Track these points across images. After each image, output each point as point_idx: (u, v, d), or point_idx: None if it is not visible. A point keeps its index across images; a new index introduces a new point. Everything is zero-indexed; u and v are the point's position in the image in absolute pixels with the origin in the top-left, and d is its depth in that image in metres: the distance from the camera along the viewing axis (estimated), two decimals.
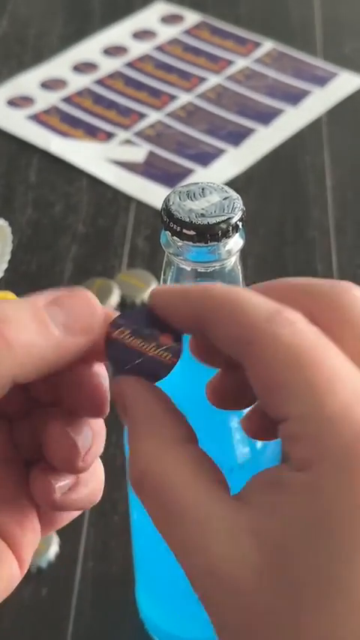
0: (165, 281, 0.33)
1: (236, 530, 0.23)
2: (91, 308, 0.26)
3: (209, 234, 0.30)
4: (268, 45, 0.86)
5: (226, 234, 0.31)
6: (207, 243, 0.31)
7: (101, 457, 0.58)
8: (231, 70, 0.83)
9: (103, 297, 0.62)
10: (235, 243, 0.31)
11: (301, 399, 0.22)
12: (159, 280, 0.34)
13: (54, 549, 0.50)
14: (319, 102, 0.80)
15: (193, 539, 0.23)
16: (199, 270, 0.32)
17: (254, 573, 0.22)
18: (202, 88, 0.82)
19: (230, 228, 0.31)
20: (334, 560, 0.21)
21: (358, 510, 0.21)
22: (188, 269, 0.32)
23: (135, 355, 0.26)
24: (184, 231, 0.30)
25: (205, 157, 0.75)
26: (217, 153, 0.75)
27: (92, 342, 0.26)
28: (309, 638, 0.21)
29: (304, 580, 0.21)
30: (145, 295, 0.63)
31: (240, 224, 0.31)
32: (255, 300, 0.24)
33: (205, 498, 0.24)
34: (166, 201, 0.31)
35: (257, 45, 0.86)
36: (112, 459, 0.54)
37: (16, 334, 0.24)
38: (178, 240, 0.31)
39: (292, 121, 0.78)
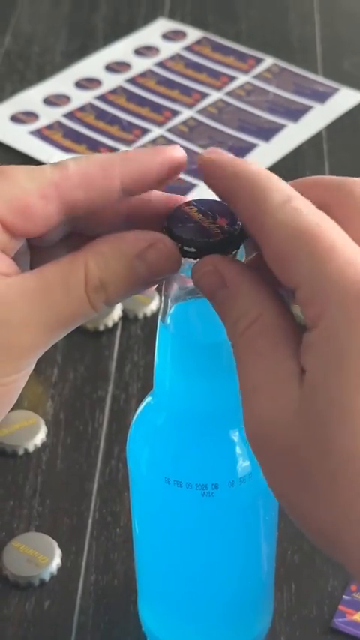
0: (166, 297, 0.34)
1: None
2: (173, 264, 0.31)
3: (210, 251, 0.31)
4: (269, 61, 0.87)
5: (226, 251, 0.31)
6: None
7: (102, 471, 0.59)
8: (232, 86, 0.84)
9: (105, 311, 0.63)
10: (238, 257, 0.32)
11: (303, 265, 0.27)
12: (160, 295, 0.35)
13: (56, 562, 0.50)
14: (319, 117, 0.81)
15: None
16: None
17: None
18: (204, 103, 0.82)
19: (231, 245, 0.31)
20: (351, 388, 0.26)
21: None
22: (189, 285, 0.33)
23: (191, 221, 0.31)
24: (185, 248, 0.31)
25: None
26: None
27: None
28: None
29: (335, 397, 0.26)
30: (148, 309, 0.63)
31: (241, 240, 0.31)
32: (274, 186, 0.29)
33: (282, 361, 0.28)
34: (168, 218, 0.32)
35: (258, 61, 0.87)
36: (114, 472, 0.55)
37: (112, 297, 0.31)
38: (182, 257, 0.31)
39: (292, 136, 0.79)
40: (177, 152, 0.32)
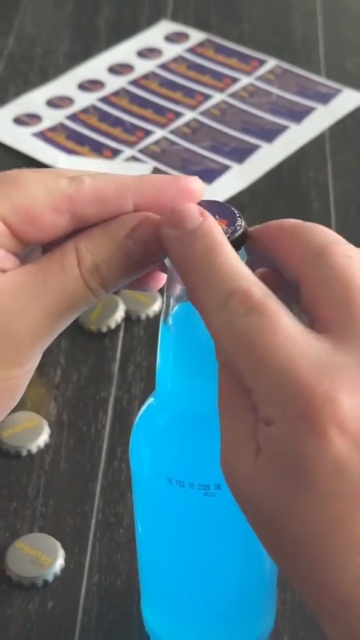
0: (168, 298, 0.34)
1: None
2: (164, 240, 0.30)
3: None
4: (271, 62, 0.87)
5: None
6: None
7: (105, 471, 0.59)
8: (235, 88, 0.84)
9: (108, 312, 0.63)
10: None
11: (247, 372, 0.28)
12: (163, 296, 0.35)
13: (60, 563, 0.50)
14: (322, 118, 0.81)
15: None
16: None
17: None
18: (207, 105, 0.83)
19: (232, 246, 0.31)
20: None
21: None
22: None
23: None
24: None
25: (210, 174, 0.75)
26: (222, 169, 0.76)
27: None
28: None
29: None
30: (151, 310, 0.64)
31: (242, 242, 0.31)
32: (213, 283, 0.29)
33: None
34: None
35: (261, 62, 0.87)
36: (117, 472, 0.55)
37: (108, 278, 0.31)
38: None
39: (295, 137, 0.79)
40: (195, 183, 0.32)
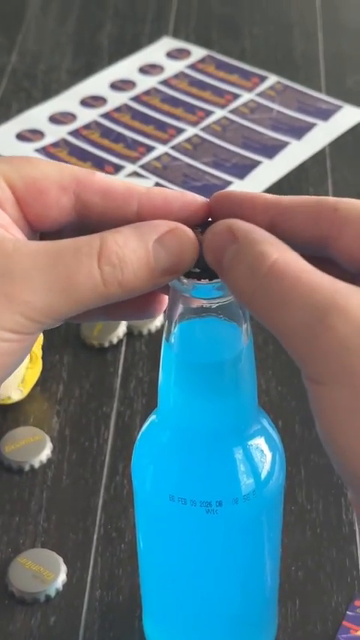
0: (171, 316, 0.34)
1: None
2: (191, 253, 0.31)
3: (213, 271, 0.31)
4: (272, 79, 0.88)
5: None
6: (211, 280, 0.32)
7: (107, 486, 0.59)
8: (236, 104, 0.85)
9: (110, 327, 0.63)
10: None
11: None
12: (164, 315, 0.35)
13: (62, 578, 0.50)
14: (322, 135, 0.81)
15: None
16: (204, 305, 0.33)
17: None
18: (208, 121, 0.83)
19: None
20: None
21: None
22: (194, 305, 0.33)
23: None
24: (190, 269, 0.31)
25: (211, 189, 0.76)
26: (223, 185, 0.76)
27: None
28: None
29: None
30: (153, 326, 0.64)
31: None
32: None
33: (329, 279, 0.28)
34: None
35: (262, 79, 0.88)
36: (119, 487, 0.55)
37: (128, 279, 0.30)
38: (183, 277, 0.32)
39: (296, 153, 0.79)
40: (201, 201, 0.32)
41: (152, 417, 0.39)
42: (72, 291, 0.29)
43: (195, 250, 0.31)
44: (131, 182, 0.32)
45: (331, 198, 0.31)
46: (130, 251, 0.30)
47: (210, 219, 0.32)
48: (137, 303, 0.33)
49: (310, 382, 0.28)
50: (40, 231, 0.33)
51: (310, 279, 0.28)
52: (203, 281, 0.32)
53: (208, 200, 0.33)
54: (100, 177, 0.32)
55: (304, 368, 0.28)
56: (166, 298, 0.34)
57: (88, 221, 0.32)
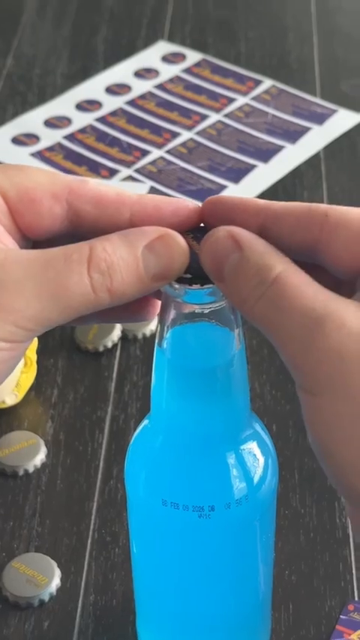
0: (163, 321, 0.35)
1: None
2: (181, 260, 0.31)
3: (205, 277, 0.31)
4: (267, 83, 0.88)
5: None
6: (202, 286, 0.32)
7: (101, 491, 0.59)
8: (231, 108, 0.85)
9: (105, 331, 0.63)
10: None
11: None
12: (158, 317, 0.35)
13: (56, 582, 0.50)
14: (317, 139, 0.81)
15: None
16: (196, 311, 0.33)
17: None
18: (203, 125, 0.83)
19: None
20: None
21: None
22: (186, 310, 0.33)
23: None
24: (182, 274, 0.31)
25: (206, 193, 0.76)
26: (218, 189, 0.76)
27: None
28: None
29: None
30: (147, 330, 0.64)
31: None
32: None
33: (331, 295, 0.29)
34: None
35: (257, 83, 0.88)
36: (113, 492, 0.55)
37: (117, 286, 0.30)
38: (175, 282, 0.32)
39: (290, 157, 0.80)
40: (193, 207, 0.32)
41: (145, 422, 0.39)
42: (62, 299, 0.29)
43: (185, 256, 0.31)
44: (123, 190, 0.32)
45: (322, 205, 0.31)
46: (119, 258, 0.30)
47: (202, 224, 0.33)
48: (131, 307, 0.33)
49: (303, 393, 0.28)
50: (33, 239, 0.33)
51: (309, 290, 0.29)
52: (195, 286, 0.32)
53: (199, 205, 0.33)
54: (93, 185, 0.32)
55: (299, 378, 0.29)
56: (157, 302, 0.34)
57: (81, 229, 0.32)
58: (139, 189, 0.76)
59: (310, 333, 0.28)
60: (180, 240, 0.31)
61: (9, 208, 0.32)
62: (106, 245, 0.30)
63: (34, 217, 0.32)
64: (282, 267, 0.29)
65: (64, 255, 0.30)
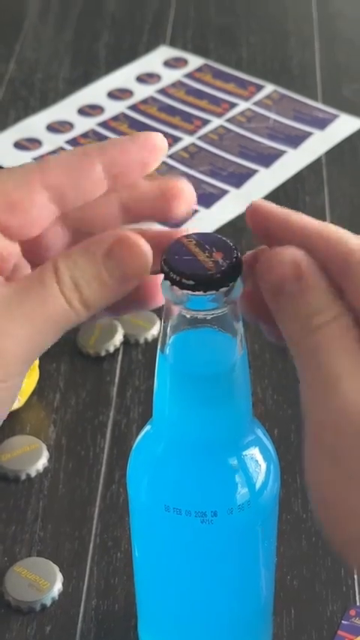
0: (166, 327, 0.35)
1: None
2: (142, 259, 0.31)
3: (208, 283, 0.31)
4: (269, 88, 0.88)
5: (224, 284, 0.32)
6: (205, 292, 0.32)
7: (103, 495, 0.59)
8: (233, 113, 0.85)
9: (106, 336, 0.63)
10: (234, 290, 0.33)
11: None
12: (161, 322, 0.35)
13: (58, 587, 0.50)
14: (319, 144, 0.82)
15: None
16: (198, 317, 0.33)
17: None
18: (205, 129, 0.83)
19: (226, 279, 0.32)
20: None
21: None
22: (188, 316, 0.33)
23: (188, 254, 0.32)
24: (183, 280, 0.32)
25: (208, 198, 0.76)
26: (220, 194, 0.77)
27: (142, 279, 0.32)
28: None
29: None
30: (149, 334, 0.64)
31: (239, 273, 0.32)
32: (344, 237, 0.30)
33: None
34: (167, 251, 0.32)
35: (259, 88, 0.88)
36: (115, 496, 0.55)
37: (88, 296, 0.31)
38: (178, 289, 0.32)
39: (292, 162, 0.80)
40: (155, 138, 0.33)
41: (147, 428, 0.39)
42: (46, 324, 0.30)
43: (146, 255, 0.31)
44: (83, 147, 0.33)
45: (351, 242, 0.31)
46: (81, 270, 0.31)
47: (200, 230, 0.33)
48: (134, 296, 0.33)
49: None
50: (23, 240, 0.33)
51: (345, 364, 0.29)
52: (198, 293, 0.32)
53: (162, 137, 0.33)
54: (53, 157, 0.32)
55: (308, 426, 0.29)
56: (157, 291, 0.34)
57: (65, 204, 0.32)
58: None
59: (331, 413, 0.28)
60: (137, 240, 0.31)
61: None
62: (67, 260, 0.31)
63: (22, 220, 0.32)
64: (331, 315, 0.29)
65: (35, 282, 0.30)
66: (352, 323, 0.30)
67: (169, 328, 0.35)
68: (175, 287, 0.32)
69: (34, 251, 0.33)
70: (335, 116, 0.84)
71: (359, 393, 0.28)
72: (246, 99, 0.87)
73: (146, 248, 0.31)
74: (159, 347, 0.35)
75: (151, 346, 0.64)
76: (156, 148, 0.33)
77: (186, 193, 0.33)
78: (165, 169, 0.79)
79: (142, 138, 0.33)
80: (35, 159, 0.80)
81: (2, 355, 0.30)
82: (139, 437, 0.39)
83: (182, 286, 0.32)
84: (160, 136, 0.33)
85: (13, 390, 0.31)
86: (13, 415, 0.59)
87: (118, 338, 0.64)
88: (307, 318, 0.30)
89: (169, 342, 0.35)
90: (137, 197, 0.33)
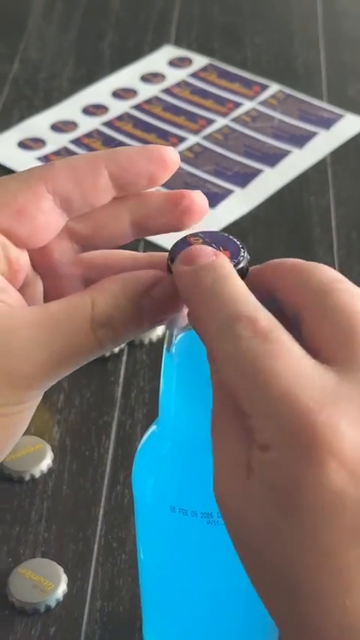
0: (171, 327, 0.34)
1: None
2: (175, 301, 0.31)
3: None
4: (274, 87, 0.88)
5: None
6: None
7: (108, 496, 0.59)
8: (238, 112, 0.85)
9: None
10: None
11: (246, 398, 0.27)
12: (165, 325, 0.35)
13: (62, 588, 0.50)
14: (324, 143, 0.81)
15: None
16: None
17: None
18: (210, 129, 0.83)
19: None
20: None
21: None
22: None
23: None
24: None
25: (212, 198, 0.76)
26: (224, 193, 0.76)
27: None
28: None
29: None
30: (154, 335, 0.64)
31: (245, 273, 0.32)
32: (218, 306, 0.28)
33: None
34: (173, 249, 0.32)
35: (264, 87, 0.88)
36: (120, 497, 0.55)
37: (120, 335, 0.31)
38: None
39: (297, 162, 0.79)
40: (167, 152, 0.32)
41: (153, 428, 0.39)
42: (69, 357, 0.30)
43: (177, 294, 0.31)
44: (92, 152, 0.32)
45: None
46: (120, 309, 0.30)
47: (206, 229, 0.33)
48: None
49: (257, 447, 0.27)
50: (31, 249, 0.32)
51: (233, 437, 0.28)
52: None
53: (174, 152, 0.32)
54: (60, 162, 0.32)
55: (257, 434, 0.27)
56: (195, 205, 0.33)
57: (71, 210, 0.32)
58: None
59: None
60: (172, 283, 0.31)
61: (7, 236, 0.31)
62: (107, 297, 0.30)
63: (29, 225, 0.31)
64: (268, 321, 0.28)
65: (67, 316, 0.30)
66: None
67: (174, 327, 0.34)
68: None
69: (44, 266, 0.33)
70: (340, 116, 0.84)
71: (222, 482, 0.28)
72: (251, 98, 0.87)
73: (175, 288, 0.31)
74: (165, 346, 0.35)
75: (156, 347, 0.64)
76: (166, 162, 0.32)
77: (198, 206, 0.33)
78: None
79: (153, 150, 0.32)
80: (39, 158, 0.80)
81: (17, 379, 0.30)
82: (145, 437, 0.39)
83: None
84: (172, 150, 0.32)
85: (26, 413, 0.31)
86: None
87: None
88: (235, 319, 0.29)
89: (175, 342, 0.34)
90: (148, 213, 0.33)
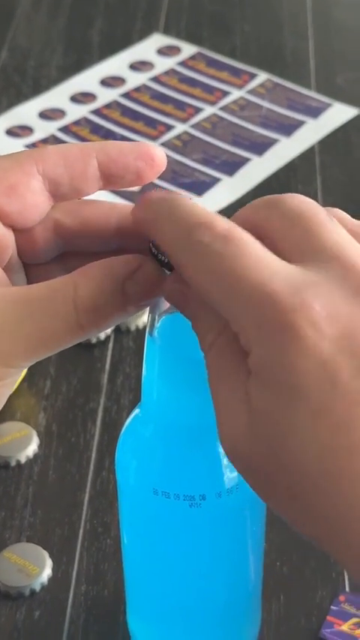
0: (153, 310, 0.35)
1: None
2: (158, 285, 0.31)
3: None
4: (262, 76, 0.88)
5: None
6: None
7: (94, 481, 0.59)
8: (226, 101, 0.85)
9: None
10: None
11: (216, 300, 0.28)
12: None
13: (47, 572, 0.50)
14: (312, 132, 0.81)
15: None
16: None
17: None
18: (198, 118, 0.83)
19: None
20: None
21: None
22: None
23: None
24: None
25: (200, 186, 0.76)
26: (212, 182, 0.76)
27: None
28: None
29: None
30: (140, 322, 0.64)
31: None
32: (176, 216, 0.29)
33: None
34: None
35: (252, 76, 0.88)
36: (105, 483, 0.55)
37: (103, 319, 0.31)
38: (167, 270, 0.32)
39: (285, 150, 0.80)
40: (156, 151, 0.33)
41: (136, 411, 0.39)
42: (50, 338, 0.30)
43: (161, 278, 0.31)
44: (83, 143, 0.33)
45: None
46: (103, 293, 0.30)
47: None
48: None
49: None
50: (18, 229, 0.33)
51: (232, 379, 0.28)
52: None
53: (162, 153, 0.33)
54: (52, 147, 0.32)
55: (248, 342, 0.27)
56: (155, 156, 0.33)
57: (59, 195, 0.32)
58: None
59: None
60: (156, 266, 0.31)
61: None
62: (90, 281, 0.30)
63: (18, 203, 0.32)
64: (215, 333, 0.28)
65: (48, 296, 0.30)
66: (232, 339, 0.28)
67: (157, 311, 0.34)
68: (163, 268, 0.32)
69: (28, 254, 0.33)
70: (328, 105, 0.84)
71: (226, 426, 0.28)
72: (239, 87, 0.87)
73: (160, 272, 0.31)
74: (147, 330, 0.35)
75: (142, 333, 0.64)
76: (154, 160, 0.32)
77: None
78: None
79: (143, 147, 0.32)
80: (27, 146, 0.80)
81: (3, 357, 0.30)
82: (128, 420, 0.39)
83: (170, 267, 0.32)
84: (160, 150, 0.33)
85: (4, 389, 0.32)
86: None
87: None
88: (202, 337, 0.29)
89: (158, 325, 0.35)
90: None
